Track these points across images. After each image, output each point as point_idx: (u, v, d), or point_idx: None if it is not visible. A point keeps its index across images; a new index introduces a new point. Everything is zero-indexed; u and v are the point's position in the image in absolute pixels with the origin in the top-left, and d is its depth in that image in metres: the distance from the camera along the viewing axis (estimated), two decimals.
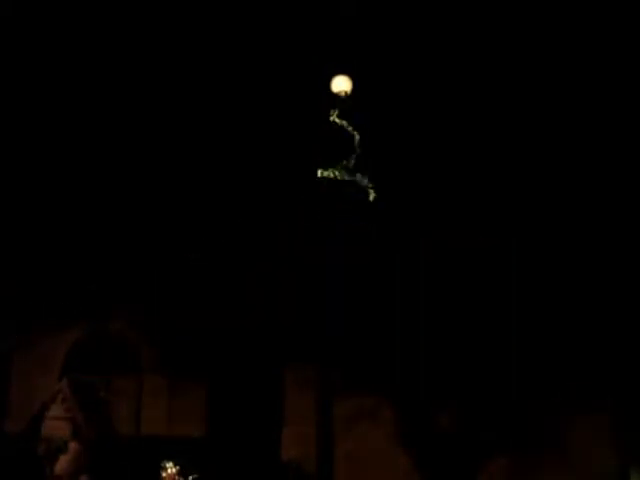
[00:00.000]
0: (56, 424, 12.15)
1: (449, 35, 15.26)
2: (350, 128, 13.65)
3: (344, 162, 13.45)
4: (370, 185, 13.75)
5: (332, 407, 15.10)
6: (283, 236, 16.80)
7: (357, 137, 13.73)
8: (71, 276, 16.79)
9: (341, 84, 13.87)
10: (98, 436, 12.81)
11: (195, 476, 14.08)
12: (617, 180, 14.93)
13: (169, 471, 14.34)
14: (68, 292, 16.61)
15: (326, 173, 13.42)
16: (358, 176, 13.63)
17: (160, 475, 14.35)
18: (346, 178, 13.47)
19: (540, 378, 14.36)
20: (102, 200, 16.73)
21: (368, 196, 13.79)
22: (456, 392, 14.56)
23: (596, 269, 14.92)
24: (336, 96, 13.68)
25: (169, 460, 14.45)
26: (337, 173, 13.44)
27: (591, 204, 14.92)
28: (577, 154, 14.95)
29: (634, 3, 15.02)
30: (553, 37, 14.98)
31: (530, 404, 14.33)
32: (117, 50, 16.14)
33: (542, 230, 15.26)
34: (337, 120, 13.60)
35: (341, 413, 14.98)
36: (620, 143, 14.88)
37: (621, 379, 14.17)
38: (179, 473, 14.38)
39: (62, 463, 12.27)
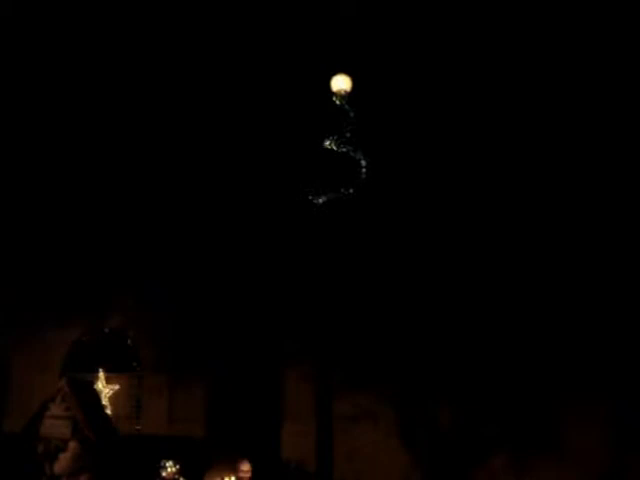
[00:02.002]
0: (56, 423, 12.04)
1: (449, 36, 15.27)
2: (359, 158, 13.57)
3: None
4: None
5: (332, 406, 15.12)
6: (280, 236, 16.79)
7: (364, 163, 13.65)
8: (70, 275, 16.80)
9: (341, 83, 13.84)
10: (98, 436, 12.74)
11: None
12: (610, 187, 14.96)
13: (169, 471, 14.33)
14: (67, 291, 16.63)
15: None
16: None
17: (160, 475, 14.34)
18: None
19: (539, 375, 14.38)
20: (101, 199, 16.76)
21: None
22: (456, 391, 14.58)
23: (592, 264, 14.93)
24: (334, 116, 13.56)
25: (169, 460, 14.44)
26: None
27: (586, 201, 14.94)
28: (572, 162, 14.97)
29: (634, 3, 15.05)
30: (553, 38, 15.01)
31: (530, 401, 14.35)
32: (116, 50, 16.17)
33: (541, 225, 15.26)
34: (335, 147, 13.51)
35: (341, 412, 15.00)
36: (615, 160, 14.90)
37: (621, 376, 14.20)
38: (179, 473, 14.38)
39: (62, 462, 12.17)
